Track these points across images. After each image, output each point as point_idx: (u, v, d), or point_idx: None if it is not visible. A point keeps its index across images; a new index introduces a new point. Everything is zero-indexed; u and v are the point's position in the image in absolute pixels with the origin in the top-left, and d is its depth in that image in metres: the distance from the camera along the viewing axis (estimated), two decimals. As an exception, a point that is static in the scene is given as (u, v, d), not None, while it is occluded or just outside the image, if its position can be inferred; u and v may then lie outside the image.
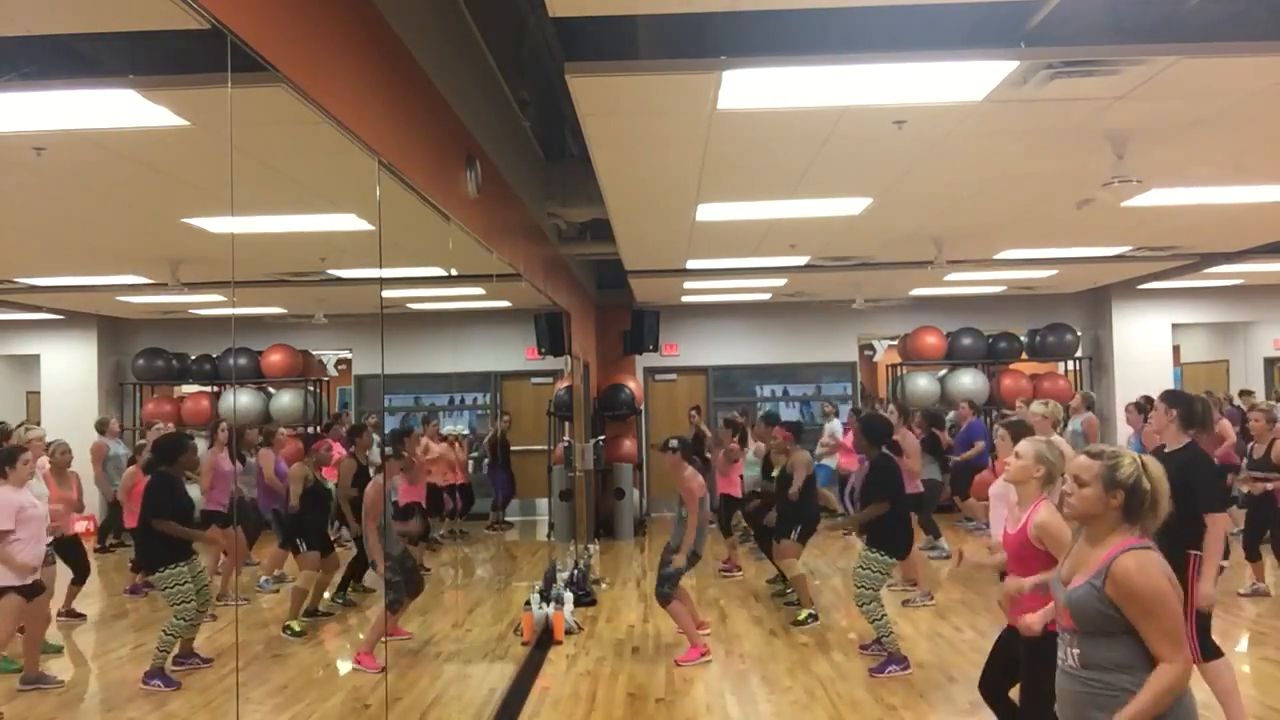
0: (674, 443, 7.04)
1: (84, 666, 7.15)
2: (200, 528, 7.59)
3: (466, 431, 13.43)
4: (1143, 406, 9.33)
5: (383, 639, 6.53)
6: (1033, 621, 3.45)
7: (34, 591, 5.91)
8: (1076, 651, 2.82)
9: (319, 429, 11.95)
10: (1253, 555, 8.20)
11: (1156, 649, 2.66)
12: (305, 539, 7.54)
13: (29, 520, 5.81)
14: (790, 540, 8.01)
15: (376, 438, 9.07)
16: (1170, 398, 5.10)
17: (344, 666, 7.40)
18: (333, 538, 7.91)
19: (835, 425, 12.75)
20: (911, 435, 9.68)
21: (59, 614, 7.43)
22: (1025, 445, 4.11)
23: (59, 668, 6.68)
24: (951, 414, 12.67)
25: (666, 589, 6.86)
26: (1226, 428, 10.13)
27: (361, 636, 7.22)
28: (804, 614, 7.75)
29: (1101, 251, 10.43)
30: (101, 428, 10.12)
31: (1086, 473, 2.84)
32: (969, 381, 13.88)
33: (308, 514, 7.60)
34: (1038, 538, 3.86)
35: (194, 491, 7.75)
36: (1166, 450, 4.94)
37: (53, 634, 7.12)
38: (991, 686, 4.29)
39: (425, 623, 7.85)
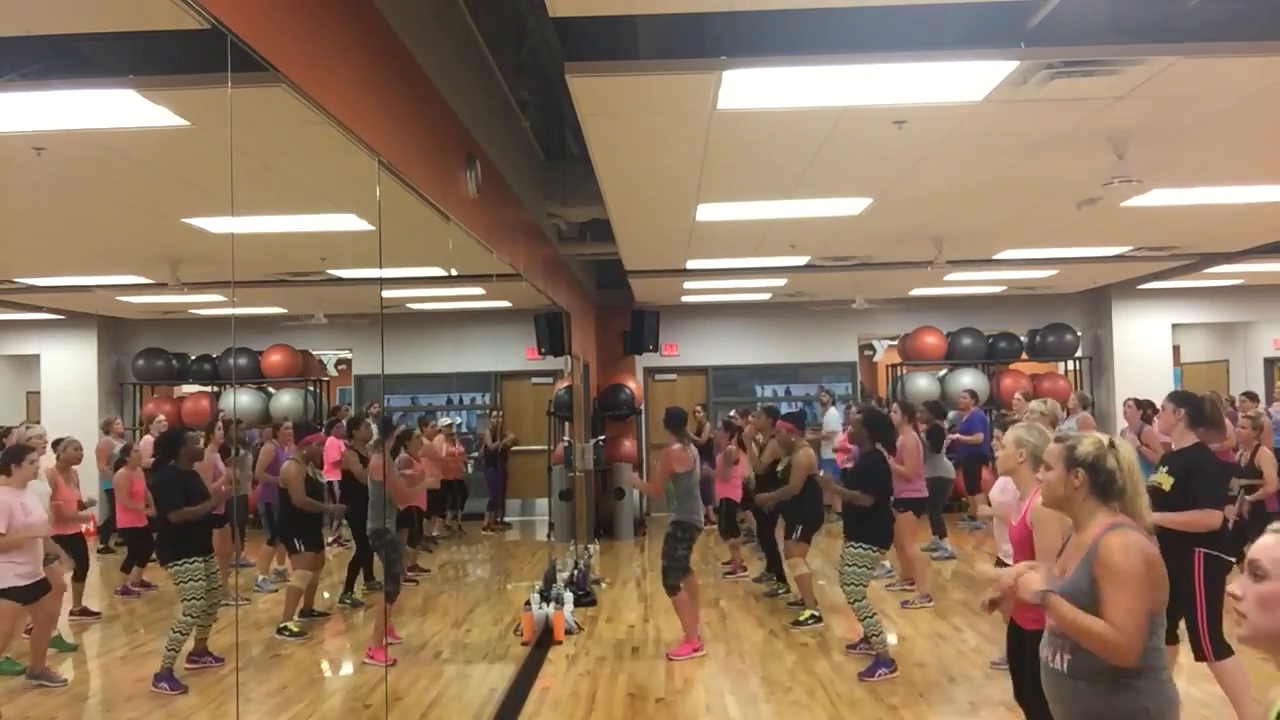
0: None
1: (83, 667, 7.14)
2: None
3: (466, 430, 13.42)
4: (1145, 405, 9.32)
5: (383, 635, 6.52)
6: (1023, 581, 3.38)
7: (33, 594, 5.91)
8: (1069, 658, 2.76)
9: (320, 428, 11.93)
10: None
11: (1110, 619, 2.59)
12: (301, 538, 7.46)
13: (21, 525, 5.79)
14: (794, 540, 8.02)
15: (374, 425, 9.03)
16: (1178, 397, 5.11)
17: (344, 666, 7.39)
18: (330, 539, 7.87)
19: (833, 414, 12.72)
20: (913, 435, 9.46)
21: (71, 613, 7.43)
22: (1007, 434, 4.14)
23: (64, 667, 6.67)
24: (952, 414, 12.63)
25: (672, 579, 6.87)
26: (1228, 427, 10.09)
27: (364, 635, 7.21)
28: (806, 614, 7.75)
29: (1101, 251, 10.43)
30: (106, 428, 10.19)
31: (1051, 456, 2.86)
32: (969, 382, 13.88)
33: (303, 512, 7.47)
34: (1031, 522, 3.86)
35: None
36: (1174, 449, 4.95)
37: (66, 633, 7.12)
38: (1025, 694, 4.24)
39: (426, 623, 7.84)
